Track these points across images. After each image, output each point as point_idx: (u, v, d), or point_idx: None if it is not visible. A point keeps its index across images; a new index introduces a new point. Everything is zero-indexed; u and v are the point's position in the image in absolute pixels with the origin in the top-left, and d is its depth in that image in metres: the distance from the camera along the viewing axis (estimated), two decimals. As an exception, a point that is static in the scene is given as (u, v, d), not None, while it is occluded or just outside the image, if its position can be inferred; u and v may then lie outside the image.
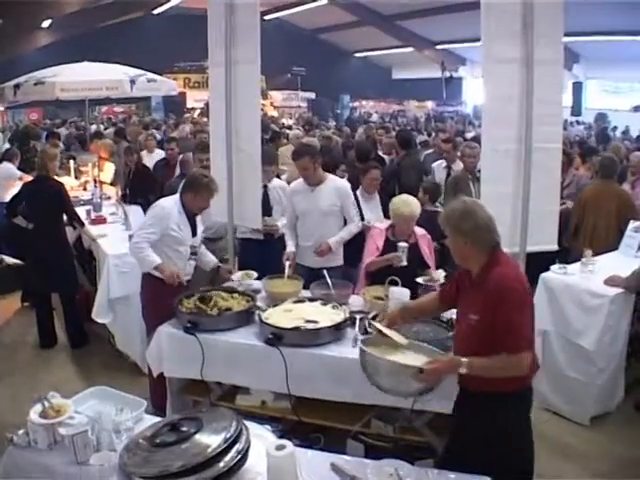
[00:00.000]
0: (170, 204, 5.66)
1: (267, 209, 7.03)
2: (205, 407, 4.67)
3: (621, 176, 8.88)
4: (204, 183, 5.60)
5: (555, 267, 6.28)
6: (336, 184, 6.52)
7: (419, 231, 6.06)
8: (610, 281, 5.84)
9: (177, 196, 5.72)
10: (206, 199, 5.69)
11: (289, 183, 7.32)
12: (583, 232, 7.45)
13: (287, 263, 6.12)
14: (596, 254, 6.33)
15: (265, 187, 7.10)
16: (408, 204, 5.89)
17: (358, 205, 6.91)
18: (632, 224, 7.03)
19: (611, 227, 7.41)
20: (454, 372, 3.53)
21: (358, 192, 7.24)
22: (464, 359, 3.44)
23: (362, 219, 6.78)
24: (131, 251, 5.64)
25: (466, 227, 3.57)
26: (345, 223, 6.54)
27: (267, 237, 7.08)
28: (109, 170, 11.14)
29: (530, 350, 3.52)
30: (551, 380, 6.04)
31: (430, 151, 11.70)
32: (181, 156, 9.79)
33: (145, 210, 7.61)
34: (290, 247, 6.53)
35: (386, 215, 6.71)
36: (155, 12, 31.06)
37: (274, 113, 32.03)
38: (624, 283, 5.78)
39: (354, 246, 6.49)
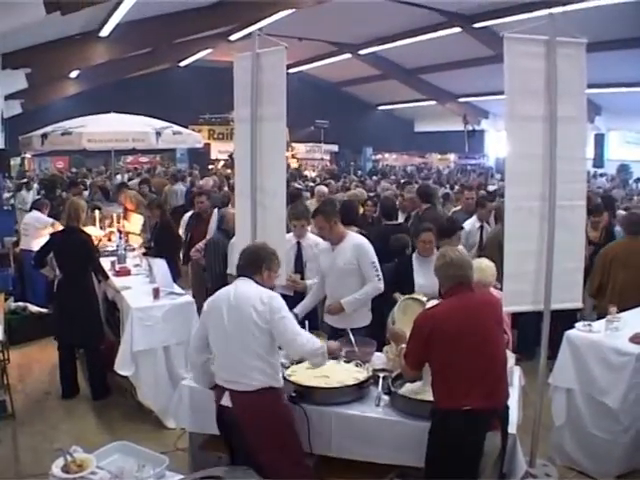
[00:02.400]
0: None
1: (299, 266, 7.01)
2: (226, 465, 4.64)
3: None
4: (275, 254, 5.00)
5: (580, 324, 6.23)
6: (354, 241, 6.39)
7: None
8: (636, 338, 5.79)
9: (247, 282, 4.77)
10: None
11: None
12: (611, 289, 7.36)
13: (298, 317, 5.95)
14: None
15: (299, 244, 7.08)
16: (482, 269, 5.69)
17: (410, 270, 6.84)
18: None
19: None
20: None
21: (413, 256, 7.08)
22: None
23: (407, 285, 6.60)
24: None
25: (437, 264, 4.55)
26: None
27: (297, 294, 6.87)
28: (136, 221, 11.23)
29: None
30: (576, 438, 6.00)
31: (457, 208, 11.27)
32: (216, 210, 9.88)
33: (170, 264, 7.69)
34: (299, 307, 6.37)
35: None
36: (181, 65, 31.53)
37: (295, 165, 32.27)
38: None
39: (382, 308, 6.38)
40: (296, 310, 6.17)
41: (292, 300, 6.64)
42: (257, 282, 4.70)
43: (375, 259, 6.37)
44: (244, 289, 4.64)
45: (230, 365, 4.56)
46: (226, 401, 4.58)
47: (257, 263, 4.76)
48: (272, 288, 4.85)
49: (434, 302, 5.57)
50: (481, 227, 9.58)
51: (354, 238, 6.47)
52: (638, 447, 5.83)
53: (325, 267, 6.48)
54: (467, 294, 4.42)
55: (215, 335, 4.66)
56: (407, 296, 5.81)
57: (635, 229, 7.71)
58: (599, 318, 6.52)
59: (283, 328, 4.50)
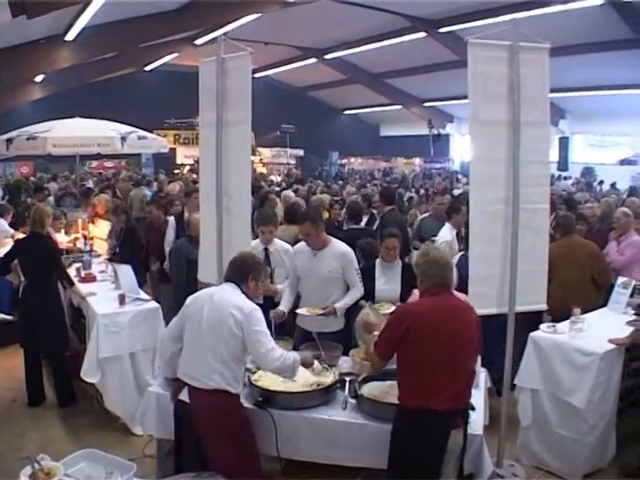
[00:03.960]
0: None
1: (268, 272, 6.94)
2: (197, 472, 4.64)
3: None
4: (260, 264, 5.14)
5: (544, 326, 6.30)
6: (339, 249, 6.41)
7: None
8: (612, 341, 5.94)
9: (232, 288, 4.85)
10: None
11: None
12: (554, 289, 7.42)
13: (273, 321, 6.00)
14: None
15: (266, 250, 7.03)
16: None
17: (372, 275, 6.80)
18: (620, 280, 7.11)
19: (585, 278, 7.53)
20: None
21: (377, 261, 7.01)
22: None
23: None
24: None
25: (419, 260, 4.56)
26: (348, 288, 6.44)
27: (267, 300, 6.70)
28: (103, 227, 11.13)
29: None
30: (542, 438, 6.05)
31: (426, 215, 10.73)
32: (172, 218, 9.82)
33: (135, 270, 7.64)
34: (282, 306, 6.44)
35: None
36: (147, 69, 31.40)
37: (263, 170, 32.29)
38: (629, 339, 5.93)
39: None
40: (277, 311, 6.32)
41: (263, 307, 6.66)
42: (243, 291, 4.77)
43: (357, 266, 6.48)
44: (228, 293, 4.73)
45: (195, 362, 4.63)
46: (184, 396, 4.64)
47: (244, 272, 4.84)
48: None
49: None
50: (458, 234, 8.90)
51: (339, 246, 6.47)
52: (604, 446, 5.91)
53: (304, 271, 6.47)
54: (446, 295, 4.45)
55: (190, 330, 4.73)
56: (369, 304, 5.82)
57: (568, 230, 7.90)
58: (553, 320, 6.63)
59: (257, 342, 4.56)
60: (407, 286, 6.45)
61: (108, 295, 7.50)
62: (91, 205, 11.93)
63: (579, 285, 7.42)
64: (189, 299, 4.89)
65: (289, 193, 13.25)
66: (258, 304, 6.26)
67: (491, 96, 5.54)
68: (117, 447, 5.72)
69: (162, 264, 9.21)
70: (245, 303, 4.65)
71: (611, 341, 5.91)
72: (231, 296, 4.70)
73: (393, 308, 5.62)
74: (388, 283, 6.74)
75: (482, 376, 5.34)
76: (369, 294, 6.48)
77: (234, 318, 4.54)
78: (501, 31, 5.61)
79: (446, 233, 8.78)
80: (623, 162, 30.97)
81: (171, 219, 9.87)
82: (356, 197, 13.08)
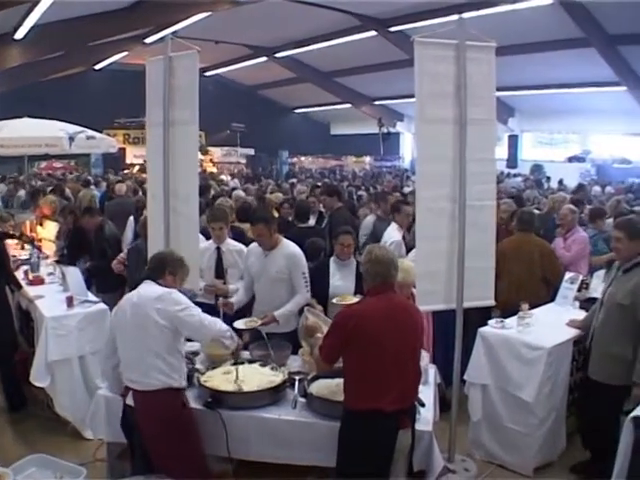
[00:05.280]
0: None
1: (220, 272, 6.88)
2: (146, 475, 4.61)
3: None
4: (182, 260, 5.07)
5: (492, 321, 6.36)
6: (288, 251, 6.36)
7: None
8: (571, 323, 6.22)
9: (150, 285, 4.82)
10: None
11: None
12: (507, 284, 7.46)
13: (221, 311, 6.01)
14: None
15: (218, 249, 6.96)
16: (404, 269, 5.58)
17: (326, 273, 6.72)
18: (567, 275, 7.23)
19: (536, 276, 7.57)
20: None
21: (331, 259, 6.91)
22: None
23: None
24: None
25: (364, 260, 4.51)
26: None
27: (219, 299, 6.62)
28: (51, 228, 10.97)
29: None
30: (493, 433, 6.10)
31: (373, 218, 10.06)
32: (131, 218, 9.71)
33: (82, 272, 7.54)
34: (233, 299, 6.41)
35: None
36: (96, 67, 31.05)
37: (213, 169, 32.17)
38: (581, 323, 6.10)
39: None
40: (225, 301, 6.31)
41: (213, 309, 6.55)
42: (160, 285, 4.76)
43: (306, 270, 6.39)
44: (147, 290, 4.72)
45: (132, 364, 4.62)
46: (130, 400, 4.62)
47: (161, 268, 4.85)
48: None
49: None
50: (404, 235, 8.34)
51: (288, 246, 6.42)
52: (554, 439, 6.00)
53: (256, 271, 6.44)
54: (390, 295, 4.41)
55: (120, 336, 4.72)
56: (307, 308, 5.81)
57: (526, 226, 7.95)
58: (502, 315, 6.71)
59: (187, 318, 4.60)
60: (362, 284, 6.42)
61: (56, 298, 7.38)
62: (39, 206, 11.76)
63: (529, 282, 7.47)
64: (114, 310, 4.91)
65: (239, 193, 13.20)
66: (209, 305, 6.27)
67: (437, 94, 5.59)
68: (68, 452, 5.67)
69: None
70: (162, 292, 4.66)
71: (568, 324, 6.14)
72: (149, 291, 4.70)
73: (356, 299, 5.58)
74: (342, 280, 6.65)
75: (431, 372, 5.38)
76: (323, 291, 6.46)
77: (156, 310, 4.55)
78: (448, 30, 5.67)
79: (393, 233, 8.36)
80: (572, 159, 31.43)
81: (130, 219, 9.81)
82: (305, 196, 13.09)
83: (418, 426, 4.46)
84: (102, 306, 7.13)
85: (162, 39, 6.51)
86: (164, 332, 4.55)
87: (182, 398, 4.68)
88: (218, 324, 4.76)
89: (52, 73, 26.79)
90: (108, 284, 8.44)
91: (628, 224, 5.60)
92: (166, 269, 4.83)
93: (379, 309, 4.29)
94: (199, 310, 4.72)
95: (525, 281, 7.44)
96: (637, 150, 30.35)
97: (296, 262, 6.33)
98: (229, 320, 5.76)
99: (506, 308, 6.68)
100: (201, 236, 7.00)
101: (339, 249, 6.76)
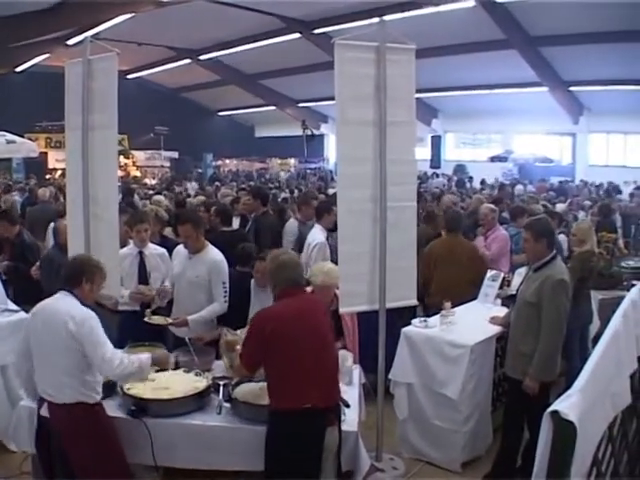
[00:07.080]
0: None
1: (143, 277, 6.67)
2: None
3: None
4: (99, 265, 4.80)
5: (416, 321, 6.43)
6: (212, 257, 6.28)
7: None
8: (492, 320, 6.34)
9: (65, 296, 4.59)
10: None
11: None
12: (436, 286, 7.63)
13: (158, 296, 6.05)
14: (454, 305, 6.49)
15: (141, 253, 6.74)
16: (326, 272, 5.75)
17: (248, 298, 6.56)
18: (489, 273, 7.36)
19: (464, 279, 7.63)
20: None
21: (252, 284, 6.62)
22: None
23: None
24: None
25: (270, 267, 4.56)
26: None
27: (143, 307, 6.46)
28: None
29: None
30: (420, 430, 6.16)
31: (296, 222, 9.47)
32: (52, 224, 9.46)
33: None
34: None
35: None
36: (17, 70, 30.29)
37: (137, 173, 31.78)
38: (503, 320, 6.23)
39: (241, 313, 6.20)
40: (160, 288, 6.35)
41: (136, 314, 6.44)
42: (77, 297, 4.53)
43: (226, 279, 6.29)
44: (60, 302, 4.51)
45: (45, 378, 4.49)
46: (44, 411, 4.50)
47: (78, 276, 4.61)
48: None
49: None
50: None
51: (212, 253, 6.35)
52: (481, 434, 6.09)
53: (177, 273, 6.41)
54: (300, 295, 4.52)
55: (34, 344, 4.56)
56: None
57: (453, 226, 8.08)
58: (427, 315, 6.79)
59: (93, 352, 4.37)
60: None
61: (-24, 306, 7.20)
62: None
63: (458, 285, 7.51)
64: (31, 312, 4.70)
65: (160, 197, 13.07)
66: (133, 311, 6.17)
67: (358, 97, 5.61)
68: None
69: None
70: (78, 313, 4.42)
71: (490, 321, 6.29)
72: (62, 305, 4.48)
73: None
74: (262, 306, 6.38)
75: (356, 373, 5.42)
76: (244, 313, 6.22)
77: (66, 329, 4.33)
78: (369, 32, 5.71)
79: (317, 235, 8.11)
80: (494, 159, 32.04)
81: (51, 225, 9.54)
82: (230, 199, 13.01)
83: (344, 427, 4.49)
84: (23, 315, 6.93)
85: (82, 41, 6.39)
86: (73, 352, 4.37)
87: (99, 411, 4.55)
88: (122, 367, 4.41)
89: (-29, 76, 26.07)
90: (28, 294, 8.23)
91: (534, 225, 5.73)
92: (83, 277, 4.59)
93: (294, 310, 4.36)
94: (109, 347, 4.46)
95: (454, 285, 7.48)
96: (558, 149, 31.16)
97: (218, 270, 6.26)
98: None
99: (434, 309, 6.79)
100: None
101: (256, 277, 6.53)
